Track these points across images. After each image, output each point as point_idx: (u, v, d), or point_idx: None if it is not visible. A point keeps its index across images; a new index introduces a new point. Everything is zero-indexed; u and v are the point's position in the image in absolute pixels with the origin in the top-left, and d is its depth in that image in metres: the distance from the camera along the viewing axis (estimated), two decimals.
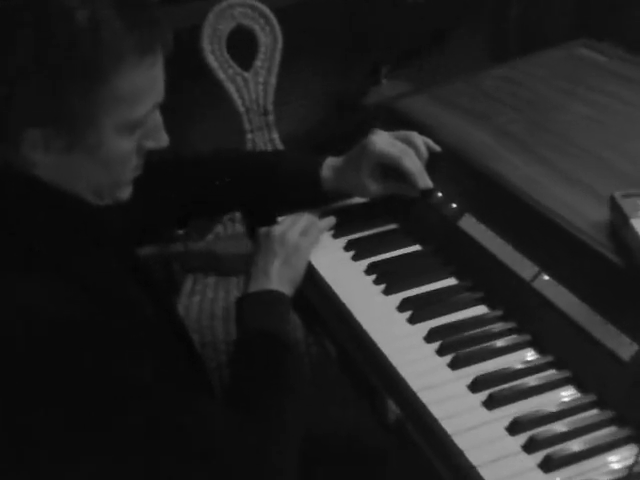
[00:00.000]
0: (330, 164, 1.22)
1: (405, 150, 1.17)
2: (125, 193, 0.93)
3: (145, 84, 0.84)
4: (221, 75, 1.93)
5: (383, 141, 1.18)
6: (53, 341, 0.78)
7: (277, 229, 1.13)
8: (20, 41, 0.76)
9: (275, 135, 1.98)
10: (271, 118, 1.97)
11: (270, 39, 1.96)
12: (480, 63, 2.30)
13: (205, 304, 1.66)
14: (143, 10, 0.83)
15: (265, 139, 1.97)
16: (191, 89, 1.91)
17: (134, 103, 0.83)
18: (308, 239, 1.13)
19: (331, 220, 1.20)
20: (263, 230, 1.15)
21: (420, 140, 1.20)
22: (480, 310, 1.02)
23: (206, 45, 1.91)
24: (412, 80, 2.22)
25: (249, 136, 1.96)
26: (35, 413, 0.77)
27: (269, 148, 1.97)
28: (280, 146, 1.99)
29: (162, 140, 0.91)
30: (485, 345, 0.96)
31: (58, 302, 0.80)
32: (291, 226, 1.14)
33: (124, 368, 0.81)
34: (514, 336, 0.97)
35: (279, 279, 1.07)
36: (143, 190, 1.19)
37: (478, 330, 0.98)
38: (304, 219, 1.16)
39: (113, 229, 0.97)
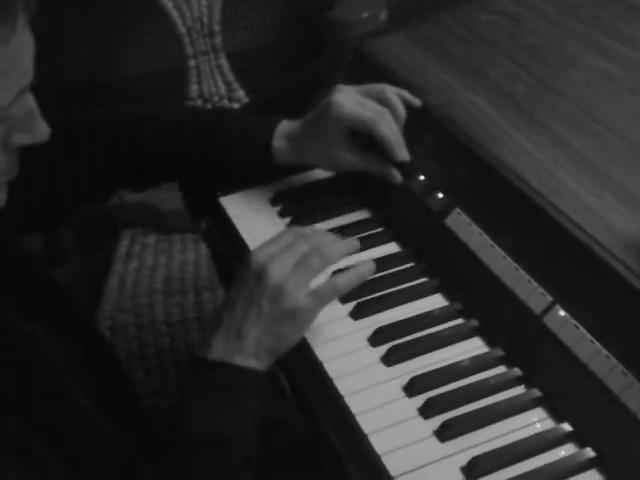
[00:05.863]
0: (285, 131, 0.96)
1: (379, 111, 0.92)
2: None
3: None
4: None
5: (350, 101, 0.92)
6: None
7: (274, 275, 0.75)
8: None
9: (223, 61, 1.68)
10: (218, 41, 1.66)
11: None
12: None
13: (143, 274, 1.42)
14: None
15: (211, 65, 1.67)
16: (122, 6, 1.60)
17: None
18: (316, 301, 0.76)
19: (353, 245, 0.82)
20: (256, 262, 0.76)
21: (395, 96, 0.94)
22: (475, 345, 0.80)
23: None
24: None
25: (192, 62, 1.66)
26: None
27: (216, 76, 1.68)
28: (229, 75, 1.69)
29: (39, 132, 0.67)
30: (493, 417, 0.73)
31: None
32: (300, 277, 0.75)
33: None
34: (520, 390, 0.75)
35: (256, 349, 0.75)
36: (51, 160, 0.96)
37: (474, 380, 0.76)
38: (315, 254, 0.77)
39: None
